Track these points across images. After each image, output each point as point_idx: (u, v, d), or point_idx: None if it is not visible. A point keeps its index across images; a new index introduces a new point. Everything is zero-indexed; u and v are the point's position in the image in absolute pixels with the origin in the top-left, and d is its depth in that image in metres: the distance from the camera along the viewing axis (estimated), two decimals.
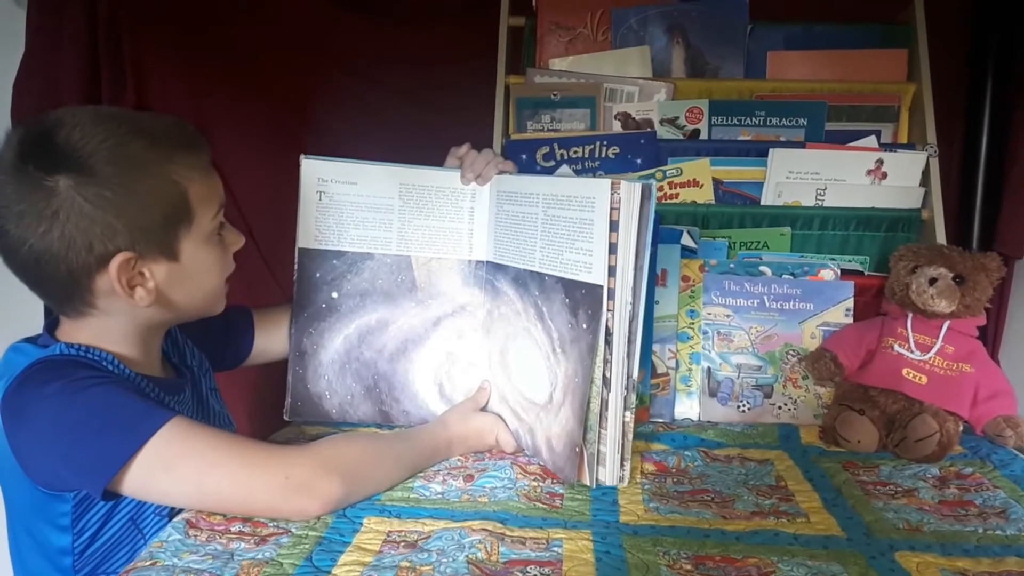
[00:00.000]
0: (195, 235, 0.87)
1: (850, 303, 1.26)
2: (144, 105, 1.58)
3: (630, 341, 0.91)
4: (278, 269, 1.63)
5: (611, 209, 0.88)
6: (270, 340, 1.14)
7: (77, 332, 0.88)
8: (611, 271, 0.89)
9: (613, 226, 0.88)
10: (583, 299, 0.92)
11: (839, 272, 1.29)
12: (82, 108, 0.84)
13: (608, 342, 0.90)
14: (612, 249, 0.88)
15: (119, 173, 0.80)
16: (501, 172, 1.09)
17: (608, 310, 0.89)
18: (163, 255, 0.85)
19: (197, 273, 0.89)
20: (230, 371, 1.16)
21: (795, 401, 1.24)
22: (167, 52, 1.62)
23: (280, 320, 1.14)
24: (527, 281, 1.01)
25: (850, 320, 1.25)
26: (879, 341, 1.19)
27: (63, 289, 0.84)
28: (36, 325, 0.92)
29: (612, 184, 0.87)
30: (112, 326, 0.88)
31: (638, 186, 0.86)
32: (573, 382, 0.93)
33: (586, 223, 0.90)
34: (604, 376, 0.91)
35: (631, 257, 0.88)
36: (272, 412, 1.14)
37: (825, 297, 1.26)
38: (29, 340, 0.89)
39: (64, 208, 0.79)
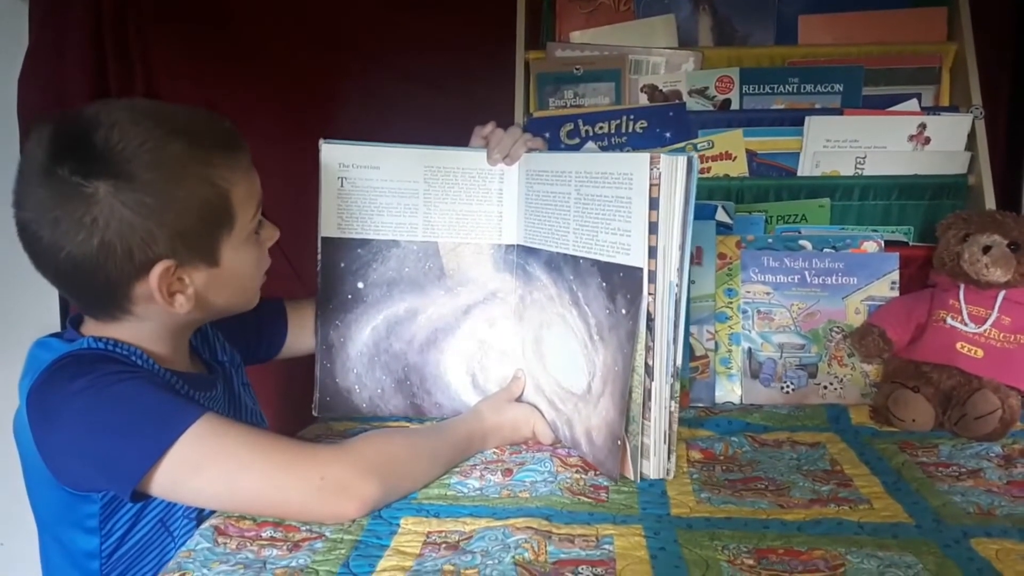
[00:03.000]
0: (235, 238, 0.84)
1: (895, 276, 1.21)
2: (153, 96, 1.53)
3: (676, 326, 0.86)
4: (298, 263, 1.58)
5: (650, 185, 0.82)
6: (303, 333, 1.12)
7: (105, 329, 0.85)
8: (651, 252, 0.83)
9: (653, 204, 0.82)
10: (621, 283, 0.87)
11: (883, 244, 1.23)
12: (117, 102, 0.80)
13: (650, 328, 0.85)
14: (652, 229, 0.83)
15: (160, 179, 0.76)
16: (530, 150, 1.04)
17: (649, 294, 0.84)
18: (203, 261, 0.82)
19: (236, 275, 0.87)
20: (256, 366, 1.12)
21: (841, 380, 1.19)
22: (176, 43, 1.57)
23: (312, 313, 1.11)
24: (561, 265, 0.96)
25: (896, 293, 1.20)
26: (929, 314, 1.14)
27: (100, 296, 0.81)
28: (49, 321, 0.89)
29: (651, 158, 0.81)
30: (144, 327, 0.85)
31: (682, 159, 0.81)
32: (613, 371, 0.89)
33: (623, 201, 0.85)
34: (647, 364, 0.86)
35: (675, 236, 0.83)
36: (300, 408, 1.11)
37: (869, 270, 1.21)
38: (55, 335, 0.87)
39: (104, 215, 0.75)
